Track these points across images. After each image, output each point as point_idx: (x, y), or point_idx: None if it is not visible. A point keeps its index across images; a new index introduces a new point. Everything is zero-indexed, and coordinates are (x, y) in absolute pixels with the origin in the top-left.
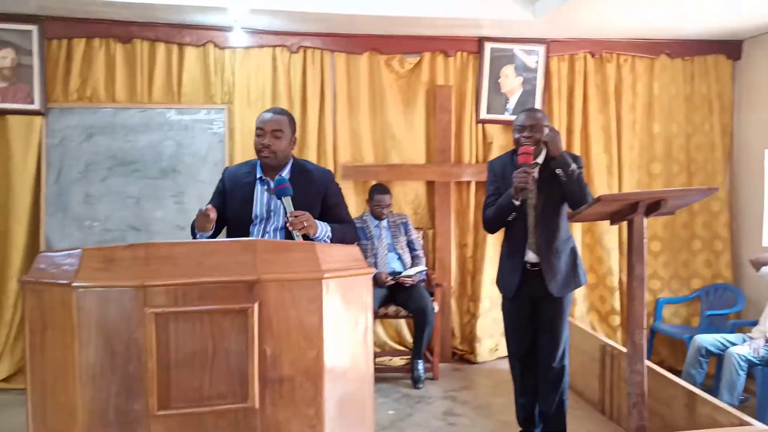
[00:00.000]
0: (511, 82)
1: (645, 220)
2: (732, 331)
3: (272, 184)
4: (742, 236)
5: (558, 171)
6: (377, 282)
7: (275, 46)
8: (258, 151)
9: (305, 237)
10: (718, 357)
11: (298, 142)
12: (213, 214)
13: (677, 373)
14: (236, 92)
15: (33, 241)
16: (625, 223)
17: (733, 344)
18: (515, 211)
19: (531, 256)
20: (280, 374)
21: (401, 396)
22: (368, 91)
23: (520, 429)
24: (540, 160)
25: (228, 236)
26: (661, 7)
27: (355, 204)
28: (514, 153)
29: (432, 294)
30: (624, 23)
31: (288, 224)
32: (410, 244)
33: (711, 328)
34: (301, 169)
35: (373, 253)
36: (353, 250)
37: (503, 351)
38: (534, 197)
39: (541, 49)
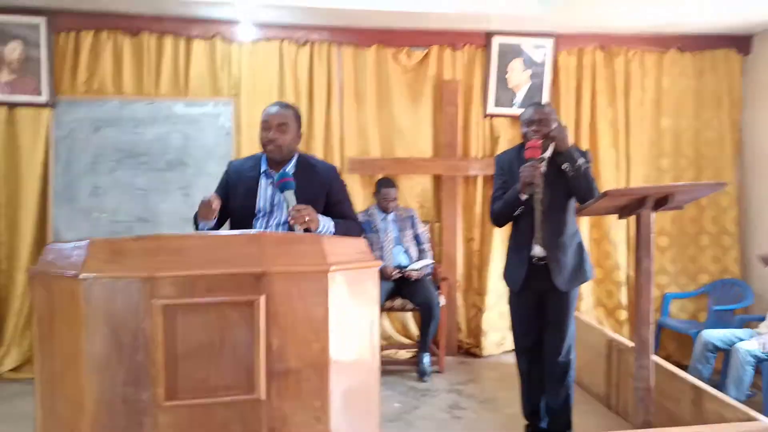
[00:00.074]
0: (519, 77)
1: (653, 215)
2: (739, 327)
3: (276, 178)
4: (751, 231)
5: (565, 166)
6: (383, 275)
7: (282, 39)
8: (263, 145)
9: (307, 232)
10: (725, 352)
11: (304, 135)
12: (216, 203)
13: (684, 369)
14: (243, 85)
15: (41, 233)
16: (632, 218)
17: (741, 339)
18: (522, 205)
19: (537, 250)
20: (286, 366)
21: (407, 389)
22: (375, 84)
23: (525, 423)
24: (548, 154)
25: (231, 229)
26: (671, 1)
27: (361, 197)
28: (521, 147)
29: (438, 287)
30: (633, 17)
31: (290, 218)
32: (417, 238)
33: (718, 323)
34: (306, 163)
35: (379, 246)
36: (360, 243)
37: (509, 345)
38: (541, 192)
39: (549, 43)
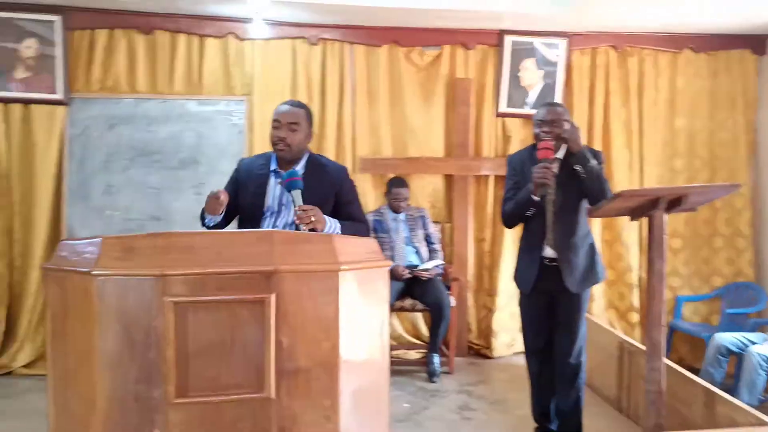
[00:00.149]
0: (532, 76)
1: (666, 217)
2: (753, 330)
3: (283, 177)
4: (766, 234)
5: (577, 167)
6: (394, 275)
7: (295, 38)
8: (273, 144)
9: (312, 232)
10: (738, 356)
11: (316, 134)
12: (223, 197)
13: (696, 372)
14: (256, 84)
15: (55, 230)
16: (645, 219)
17: (754, 343)
18: (534, 206)
19: (549, 252)
20: (296, 365)
21: (417, 389)
22: (387, 83)
23: (535, 425)
24: (560, 155)
25: (240, 226)
26: (685, 1)
27: (373, 197)
28: (533, 148)
29: (449, 288)
30: (647, 17)
31: (295, 218)
32: (427, 238)
33: (731, 326)
34: (316, 163)
35: (390, 246)
36: (371, 243)
37: (519, 346)
38: (553, 193)
39: (562, 42)
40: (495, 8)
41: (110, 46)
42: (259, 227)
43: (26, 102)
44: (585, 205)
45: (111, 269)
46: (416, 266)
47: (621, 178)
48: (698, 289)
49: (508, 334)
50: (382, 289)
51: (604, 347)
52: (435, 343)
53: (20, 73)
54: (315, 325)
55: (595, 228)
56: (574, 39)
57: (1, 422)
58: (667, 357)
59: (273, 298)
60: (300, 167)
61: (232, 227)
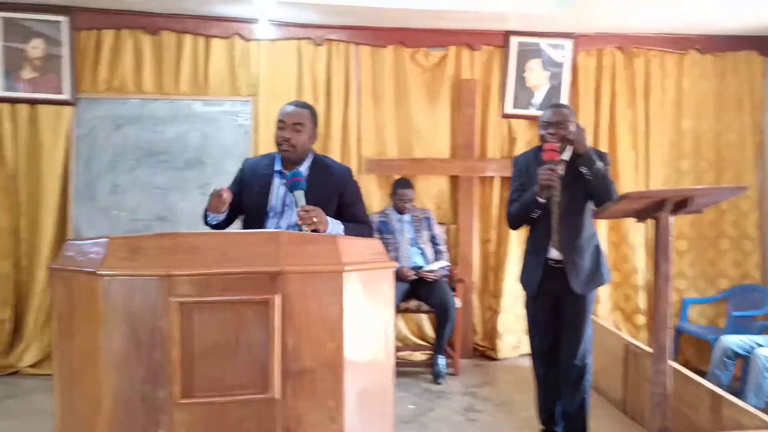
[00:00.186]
0: (538, 77)
1: (672, 218)
2: (760, 333)
3: (287, 177)
4: None
5: (583, 169)
6: (399, 276)
7: (301, 38)
8: (278, 144)
9: (315, 233)
10: (744, 359)
11: (322, 135)
12: (226, 195)
13: (703, 375)
14: (261, 84)
15: (61, 230)
16: (651, 221)
17: (761, 346)
18: (539, 208)
19: (554, 254)
20: (301, 366)
21: (422, 391)
22: (393, 84)
23: (541, 427)
24: (565, 157)
25: (244, 226)
26: (691, 3)
27: (378, 198)
28: (539, 149)
29: (454, 289)
30: (654, 18)
31: (297, 219)
32: (433, 239)
33: (738, 329)
34: (320, 164)
35: (395, 247)
36: (375, 244)
37: (525, 348)
38: (558, 194)
39: (568, 43)
40: (501, 9)
41: (117, 46)
42: (262, 228)
43: (33, 102)
44: (590, 206)
45: (117, 269)
46: (421, 267)
47: (627, 180)
48: (704, 291)
49: (513, 335)
50: (387, 290)
51: (610, 349)
52: (440, 344)
53: (27, 74)
54: (320, 325)
55: (602, 229)
56: (580, 40)
57: (7, 422)
58: (674, 359)
59: (278, 298)
60: (304, 168)
61: (235, 227)
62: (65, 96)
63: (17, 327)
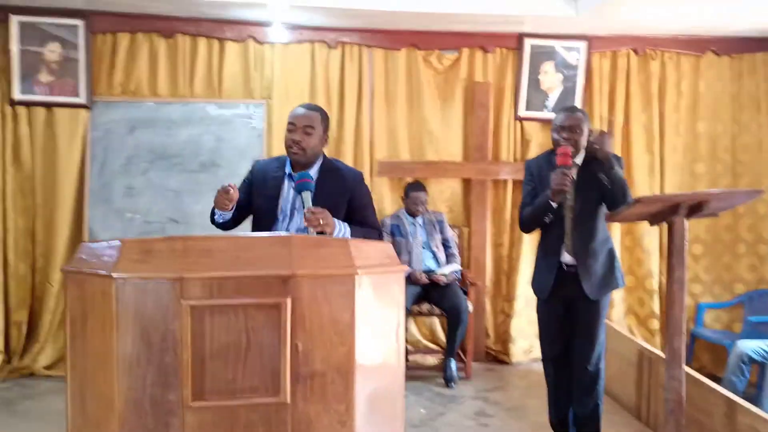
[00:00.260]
0: (551, 79)
1: (686, 223)
2: None
3: (295, 178)
4: None
5: (601, 176)
6: (411, 280)
7: (314, 41)
8: (287, 147)
9: (321, 235)
10: (760, 365)
11: (335, 137)
12: (233, 192)
13: (718, 380)
14: (275, 87)
15: (77, 232)
16: (666, 225)
17: None
18: (552, 212)
19: (567, 258)
20: (311, 369)
21: (433, 395)
22: (406, 87)
23: None
24: (578, 161)
25: (253, 229)
26: (708, 3)
27: (390, 201)
28: (551, 153)
29: (466, 293)
30: (669, 19)
31: (304, 220)
32: (445, 242)
33: (754, 334)
34: (330, 167)
35: (407, 250)
36: (386, 247)
37: (537, 352)
38: (571, 198)
39: (582, 45)
40: (514, 12)
41: (132, 49)
42: (271, 231)
43: (50, 105)
44: (604, 210)
45: (130, 272)
46: (433, 271)
47: (641, 183)
48: (720, 296)
49: (526, 340)
50: (398, 294)
51: (624, 354)
52: (452, 348)
53: (44, 77)
54: (331, 329)
55: (615, 233)
56: (594, 42)
57: (23, 423)
58: (688, 365)
59: (289, 301)
60: (314, 171)
61: (241, 228)
62: (81, 99)
63: (33, 328)
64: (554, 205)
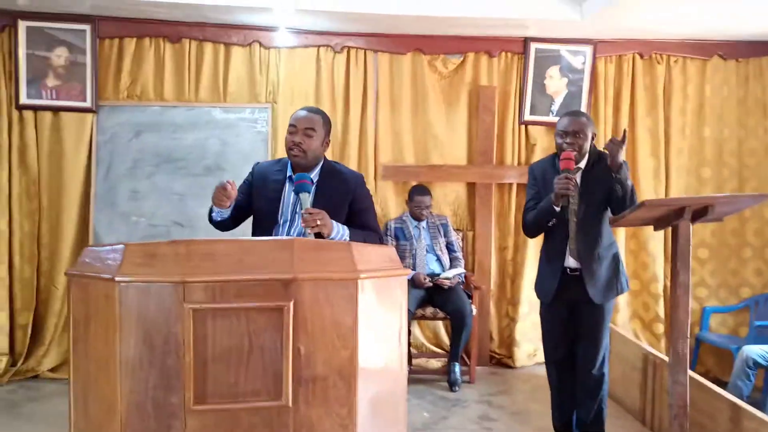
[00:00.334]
0: (557, 84)
1: (691, 227)
2: None
3: (294, 178)
4: None
5: (616, 186)
6: (415, 283)
7: (319, 46)
8: (288, 149)
9: (318, 236)
10: (766, 369)
11: (339, 141)
12: (230, 188)
13: (723, 385)
14: (280, 91)
15: (82, 235)
16: (671, 229)
17: None
18: (555, 216)
19: (571, 262)
20: (313, 373)
21: (437, 398)
22: (411, 91)
23: None
24: (582, 165)
25: (253, 233)
26: (714, 7)
27: (394, 204)
28: (555, 157)
29: (470, 296)
30: (675, 23)
31: (301, 221)
32: (449, 246)
33: (760, 338)
34: (331, 170)
35: (411, 254)
36: (389, 251)
37: (542, 356)
38: (576, 203)
39: (587, 49)
40: (519, 16)
41: (138, 54)
42: (271, 235)
43: (56, 109)
44: (608, 215)
45: (133, 276)
46: (438, 274)
47: (647, 188)
48: (726, 300)
49: (530, 343)
50: (401, 297)
51: (628, 358)
52: (456, 352)
53: (51, 81)
54: (333, 332)
55: (621, 237)
56: (599, 46)
57: (27, 425)
58: (694, 369)
59: (291, 305)
60: (315, 174)
61: (242, 230)
62: (87, 103)
63: (38, 331)
64: (557, 209)
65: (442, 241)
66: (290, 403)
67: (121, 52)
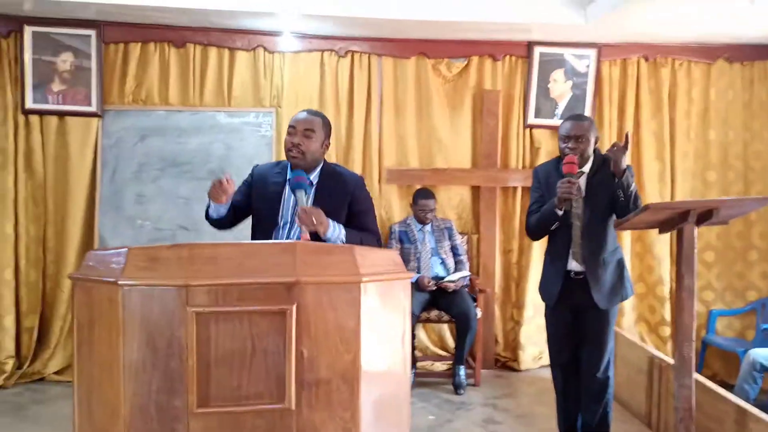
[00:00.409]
0: (561, 87)
1: (696, 230)
2: None
3: (290, 176)
4: None
5: (619, 192)
6: (420, 286)
7: (324, 50)
8: (287, 150)
9: (314, 236)
10: None
11: (344, 145)
12: (227, 184)
13: (730, 388)
14: (285, 96)
15: (88, 239)
16: (676, 232)
17: None
18: (558, 220)
19: (574, 265)
20: (316, 376)
21: (442, 401)
22: (415, 95)
23: None
24: (586, 169)
25: (253, 235)
26: (719, 11)
27: (399, 208)
28: (558, 160)
29: (475, 299)
30: (680, 27)
31: (296, 219)
32: (454, 249)
33: (767, 342)
34: (331, 171)
35: (416, 257)
36: (392, 254)
37: (547, 359)
38: (580, 207)
39: (592, 53)
40: (523, 20)
41: (143, 59)
42: (271, 237)
43: (62, 114)
44: (613, 219)
45: (136, 279)
46: (442, 277)
47: (652, 191)
48: (732, 303)
49: (535, 346)
50: (404, 301)
51: (634, 362)
52: (461, 354)
53: (57, 86)
54: (336, 336)
55: (626, 240)
56: (604, 50)
57: (33, 427)
58: (700, 372)
59: (294, 308)
60: (314, 175)
61: (242, 231)
62: (93, 108)
63: (43, 334)
64: (560, 212)
65: (447, 244)
66: (293, 407)
67: (126, 56)
